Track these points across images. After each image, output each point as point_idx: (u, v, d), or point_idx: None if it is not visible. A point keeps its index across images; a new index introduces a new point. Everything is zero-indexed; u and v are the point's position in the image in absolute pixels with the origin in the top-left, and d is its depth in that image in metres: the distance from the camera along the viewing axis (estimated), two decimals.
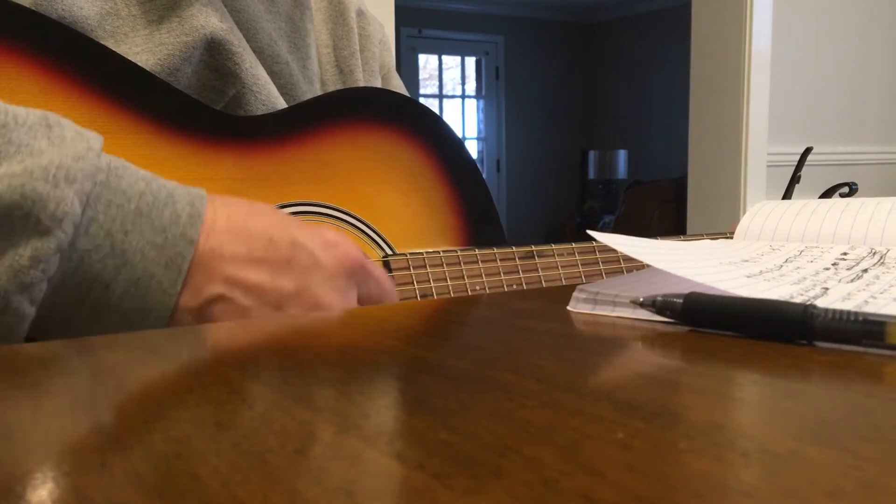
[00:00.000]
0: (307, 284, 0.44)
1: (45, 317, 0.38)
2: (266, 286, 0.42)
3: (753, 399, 0.24)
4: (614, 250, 0.70)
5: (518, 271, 0.65)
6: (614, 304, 0.35)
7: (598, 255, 0.69)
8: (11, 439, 0.20)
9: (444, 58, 6.02)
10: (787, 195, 1.17)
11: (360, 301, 0.47)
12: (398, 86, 0.82)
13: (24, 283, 0.36)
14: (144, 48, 0.55)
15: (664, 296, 0.32)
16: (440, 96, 6.05)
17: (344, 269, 0.45)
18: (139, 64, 0.54)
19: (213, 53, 0.58)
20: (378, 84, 0.78)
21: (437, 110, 5.89)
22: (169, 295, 0.40)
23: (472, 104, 6.20)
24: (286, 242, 0.44)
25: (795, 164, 1.18)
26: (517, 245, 0.66)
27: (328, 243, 0.46)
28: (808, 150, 1.16)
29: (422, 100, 5.81)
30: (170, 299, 0.40)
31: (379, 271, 0.49)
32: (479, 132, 6.19)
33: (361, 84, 0.75)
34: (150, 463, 0.18)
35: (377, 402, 0.23)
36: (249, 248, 0.43)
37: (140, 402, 0.24)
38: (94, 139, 0.40)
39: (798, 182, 1.14)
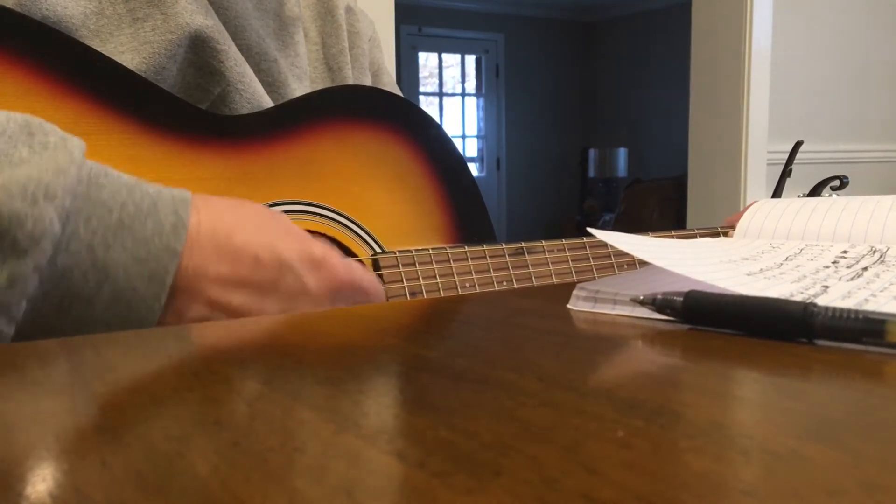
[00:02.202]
0: (292, 308, 0.43)
1: (28, 330, 0.38)
2: (250, 309, 0.42)
3: (754, 397, 0.24)
4: (605, 247, 0.70)
5: (508, 268, 0.65)
6: (614, 302, 0.35)
7: (588, 252, 0.69)
8: (11, 437, 0.20)
9: (445, 56, 6.02)
10: (778, 189, 1.16)
11: None
12: (388, 83, 0.82)
13: (2, 303, 0.35)
14: (129, 47, 0.55)
15: (664, 294, 0.32)
16: (440, 94, 6.04)
17: (330, 290, 0.45)
18: (124, 63, 0.54)
19: (197, 51, 0.57)
20: (368, 81, 0.78)
21: (437, 109, 5.90)
22: (153, 309, 0.39)
23: (472, 102, 6.20)
24: (273, 263, 0.43)
25: (795, 162, 1.18)
26: (511, 243, 0.66)
27: (315, 262, 0.45)
28: (798, 144, 1.16)
29: (422, 98, 5.81)
30: (153, 314, 0.39)
31: (367, 280, 0.49)
32: (479, 130, 6.19)
33: (351, 81, 0.74)
34: (151, 461, 0.18)
35: (377, 401, 0.23)
36: (234, 268, 0.42)
37: (140, 400, 0.24)
38: (77, 147, 0.39)
39: (789, 176, 1.14)
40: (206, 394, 0.24)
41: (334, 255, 0.47)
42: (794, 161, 1.15)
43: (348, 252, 0.63)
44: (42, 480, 0.17)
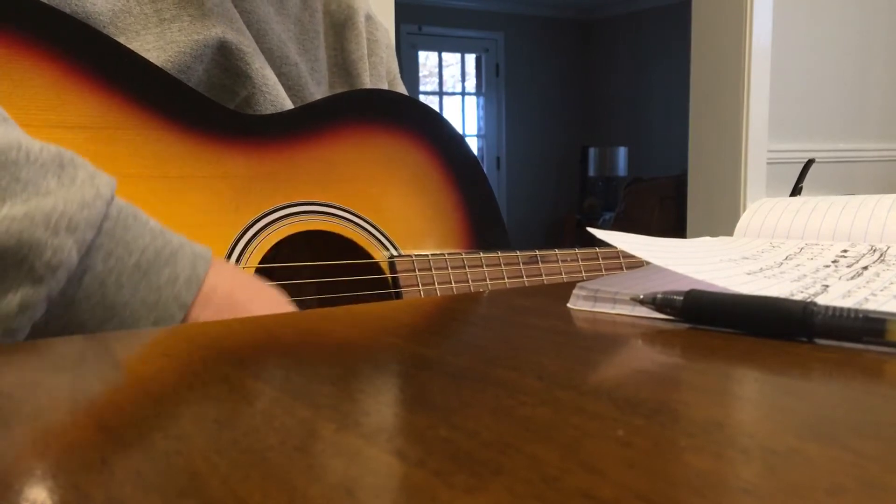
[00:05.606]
0: None
1: None
2: None
3: (754, 396, 0.24)
4: (618, 256, 0.70)
5: (522, 275, 0.65)
6: (614, 301, 0.35)
7: (601, 262, 0.70)
8: (11, 436, 0.20)
9: (444, 55, 6.01)
10: None
11: None
12: (402, 91, 0.82)
13: (10, 328, 0.36)
14: (155, 45, 0.55)
15: (664, 293, 0.32)
16: (440, 93, 6.04)
17: None
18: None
19: (224, 53, 0.58)
20: (385, 88, 0.79)
21: (437, 108, 5.90)
22: None
23: (472, 101, 6.20)
24: None
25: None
26: (519, 245, 0.67)
27: None
28: (809, 163, 1.17)
29: (422, 97, 5.80)
30: None
31: None
32: (479, 129, 6.19)
33: (368, 87, 0.75)
34: (150, 461, 0.18)
35: (377, 400, 0.23)
36: None
37: (140, 399, 0.24)
38: (105, 184, 0.39)
39: (800, 193, 1.15)
40: (205, 392, 0.24)
41: None
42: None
43: (364, 254, 0.63)
44: (42, 480, 0.17)
